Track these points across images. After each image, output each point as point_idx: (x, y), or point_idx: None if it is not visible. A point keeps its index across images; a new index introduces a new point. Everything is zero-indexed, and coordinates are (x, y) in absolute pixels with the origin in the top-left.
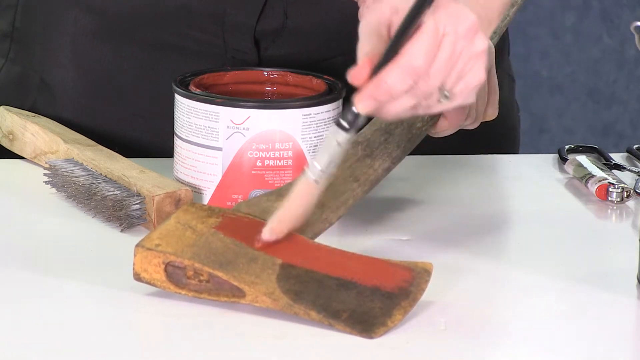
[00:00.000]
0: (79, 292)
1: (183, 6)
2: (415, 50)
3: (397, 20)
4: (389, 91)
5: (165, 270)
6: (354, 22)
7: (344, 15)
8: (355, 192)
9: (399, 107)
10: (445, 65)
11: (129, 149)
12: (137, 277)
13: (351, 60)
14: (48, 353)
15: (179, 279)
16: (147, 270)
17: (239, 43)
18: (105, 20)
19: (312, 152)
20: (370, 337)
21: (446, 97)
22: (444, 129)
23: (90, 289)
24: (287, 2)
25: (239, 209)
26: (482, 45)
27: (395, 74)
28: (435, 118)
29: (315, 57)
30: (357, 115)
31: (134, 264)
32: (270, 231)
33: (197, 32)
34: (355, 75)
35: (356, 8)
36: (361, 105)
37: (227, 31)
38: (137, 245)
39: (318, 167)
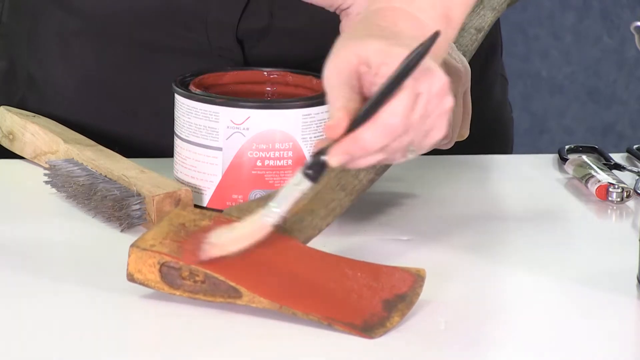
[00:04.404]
0: (79, 292)
1: (165, 6)
2: (395, 110)
3: (371, 79)
4: (365, 148)
5: (160, 270)
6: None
7: (331, 17)
8: (342, 201)
9: (369, 162)
10: (418, 124)
11: (129, 149)
12: (131, 278)
13: None
14: (47, 353)
15: (174, 280)
16: (141, 270)
17: (223, 41)
18: (88, 22)
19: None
20: (371, 337)
21: (412, 151)
22: None
23: (90, 289)
24: (273, 2)
25: (230, 213)
26: (450, 103)
27: (373, 133)
28: None
29: (302, 59)
30: (325, 167)
31: (127, 264)
32: (209, 253)
33: (181, 31)
34: (332, 128)
35: None
36: (335, 159)
37: (210, 29)
38: (131, 246)
39: (278, 212)
